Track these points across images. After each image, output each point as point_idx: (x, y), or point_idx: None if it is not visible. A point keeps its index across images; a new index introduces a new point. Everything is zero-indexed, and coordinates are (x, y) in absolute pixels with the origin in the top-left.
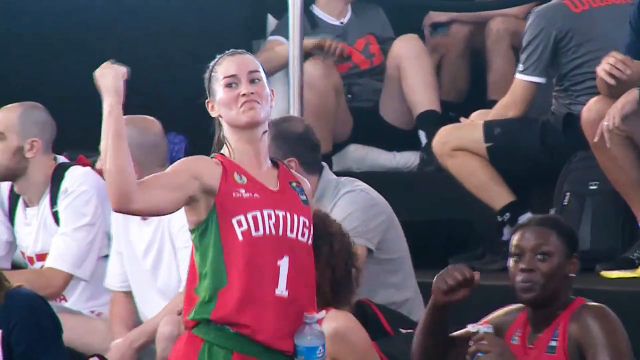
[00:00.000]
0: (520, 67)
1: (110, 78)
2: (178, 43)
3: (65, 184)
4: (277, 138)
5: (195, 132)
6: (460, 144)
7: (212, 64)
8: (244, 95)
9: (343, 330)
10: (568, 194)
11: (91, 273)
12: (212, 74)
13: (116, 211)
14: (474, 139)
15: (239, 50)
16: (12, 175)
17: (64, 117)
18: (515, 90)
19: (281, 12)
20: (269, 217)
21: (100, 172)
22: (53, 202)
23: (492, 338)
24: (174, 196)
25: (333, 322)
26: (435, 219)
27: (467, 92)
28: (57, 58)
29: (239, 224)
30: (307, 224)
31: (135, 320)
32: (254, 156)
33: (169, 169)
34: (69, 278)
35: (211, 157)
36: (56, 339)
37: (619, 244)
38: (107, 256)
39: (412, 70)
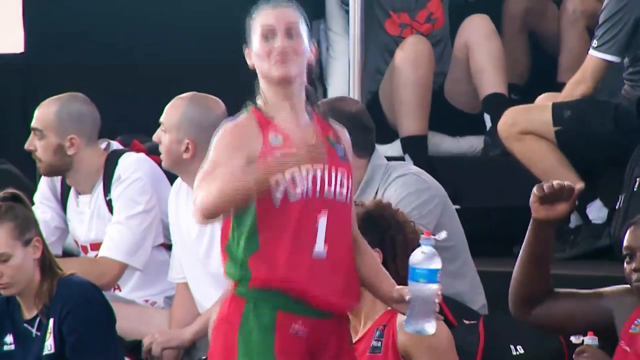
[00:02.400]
0: (595, 43)
1: (269, 174)
2: (237, 25)
3: (118, 172)
4: (329, 115)
5: None
6: (528, 127)
7: (253, 9)
8: (277, 49)
9: None
10: (638, 179)
11: (145, 262)
12: (252, 22)
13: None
14: (542, 122)
15: (283, 3)
16: (59, 171)
17: (117, 101)
18: (587, 66)
19: None
20: (309, 173)
21: (156, 160)
22: (106, 190)
23: (594, 351)
24: None
25: None
26: (500, 205)
27: (529, 73)
28: (113, 38)
29: (276, 184)
30: (345, 181)
31: (194, 311)
32: (290, 110)
33: (218, 156)
34: (123, 267)
35: (247, 109)
36: (109, 329)
37: None
38: (162, 245)
39: (481, 50)
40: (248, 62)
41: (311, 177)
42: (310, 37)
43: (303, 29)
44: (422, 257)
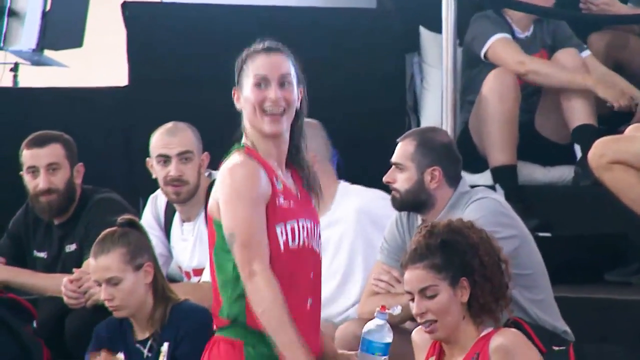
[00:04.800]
0: None
1: None
2: (332, 60)
3: None
4: (422, 146)
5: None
6: (618, 157)
7: (245, 52)
8: (271, 100)
9: (508, 346)
10: None
11: None
12: (244, 65)
13: None
14: (632, 152)
15: (274, 47)
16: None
17: (215, 135)
18: None
19: (434, 23)
20: (303, 227)
21: None
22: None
23: None
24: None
25: (501, 337)
26: (591, 233)
27: None
28: (215, 73)
29: (281, 232)
30: (320, 232)
31: None
32: (279, 157)
33: (240, 212)
34: None
35: (240, 148)
36: None
37: None
38: None
39: None
40: (236, 104)
41: (305, 229)
42: (297, 80)
43: (294, 77)
44: (378, 330)
